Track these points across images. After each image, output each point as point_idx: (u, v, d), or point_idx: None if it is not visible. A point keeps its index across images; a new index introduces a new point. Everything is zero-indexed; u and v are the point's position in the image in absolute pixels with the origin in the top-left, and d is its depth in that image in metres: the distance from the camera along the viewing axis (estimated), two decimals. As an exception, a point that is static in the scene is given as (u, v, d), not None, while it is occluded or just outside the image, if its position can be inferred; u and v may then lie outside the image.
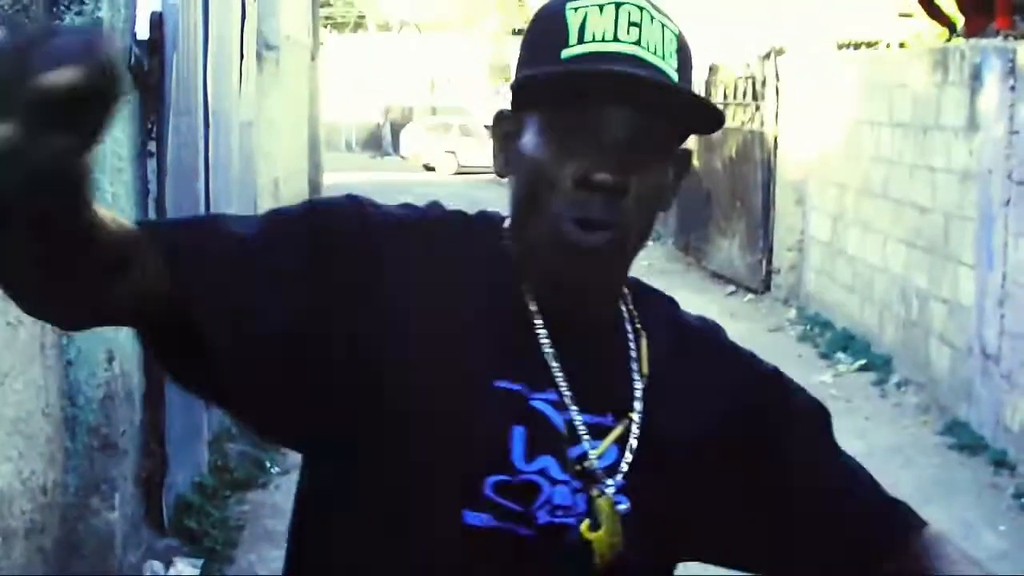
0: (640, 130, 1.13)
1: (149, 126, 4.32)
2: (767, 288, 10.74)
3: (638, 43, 1.13)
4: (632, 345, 1.22)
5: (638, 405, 1.19)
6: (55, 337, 3.71)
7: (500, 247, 1.21)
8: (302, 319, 1.13)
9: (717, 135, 12.01)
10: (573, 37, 1.14)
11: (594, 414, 1.17)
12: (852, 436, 6.52)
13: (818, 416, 1.29)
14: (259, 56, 8.17)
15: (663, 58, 1.14)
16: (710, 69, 12.36)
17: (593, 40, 1.13)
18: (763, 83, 10.90)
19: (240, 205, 6.78)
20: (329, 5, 27.23)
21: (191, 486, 4.95)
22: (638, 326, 1.23)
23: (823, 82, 9.73)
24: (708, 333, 1.29)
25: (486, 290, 1.19)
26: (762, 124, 10.89)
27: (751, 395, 1.26)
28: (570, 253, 1.13)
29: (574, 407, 1.16)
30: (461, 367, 1.15)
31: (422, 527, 1.13)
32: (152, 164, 4.34)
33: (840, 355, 8.36)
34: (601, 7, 1.14)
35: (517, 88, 1.18)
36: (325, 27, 22.65)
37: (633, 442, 1.17)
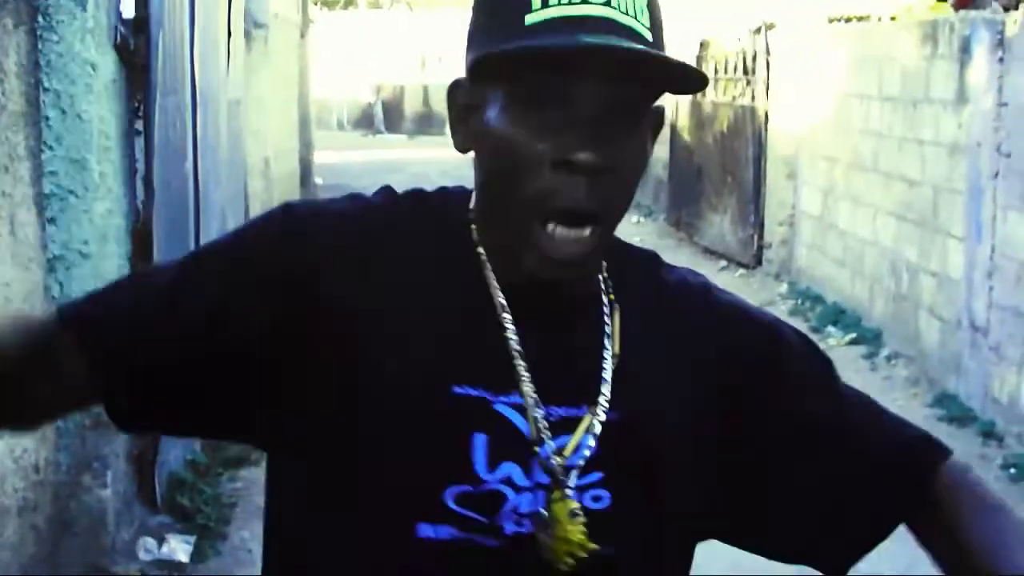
0: (618, 100, 1.04)
1: (136, 105, 4.32)
2: (758, 263, 10.75)
3: (607, 3, 1.04)
4: (607, 320, 1.13)
5: (606, 390, 1.10)
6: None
7: (461, 231, 1.12)
8: (244, 345, 1.09)
9: (708, 110, 12.00)
10: (536, 0, 1.03)
11: (569, 407, 1.10)
12: (842, 409, 6.55)
13: (817, 360, 1.21)
14: (247, 34, 8.14)
15: (635, 16, 1.04)
16: (701, 44, 12.33)
17: (559, 3, 1.03)
18: (754, 58, 10.88)
19: (230, 184, 6.78)
20: (319, -17, 27.14)
21: (183, 463, 4.97)
22: (612, 297, 1.15)
23: (814, 56, 9.73)
24: (692, 290, 1.20)
25: (447, 283, 1.10)
26: (753, 99, 10.88)
27: (741, 349, 1.17)
28: (551, 257, 1.05)
29: (542, 405, 1.08)
30: (418, 374, 1.07)
31: (373, 543, 1.08)
32: (140, 143, 4.34)
33: (831, 329, 8.39)
34: None
35: (478, 62, 1.06)
36: (315, 5, 22.54)
37: (597, 429, 1.09)
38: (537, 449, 1.08)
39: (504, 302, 1.09)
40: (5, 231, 3.44)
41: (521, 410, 1.08)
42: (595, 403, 1.10)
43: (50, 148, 3.75)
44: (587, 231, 1.05)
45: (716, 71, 11.85)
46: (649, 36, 1.05)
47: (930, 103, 7.30)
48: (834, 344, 8.05)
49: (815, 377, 1.21)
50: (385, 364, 1.08)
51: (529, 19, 1.04)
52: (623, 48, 1.02)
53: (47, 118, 3.74)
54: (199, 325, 1.10)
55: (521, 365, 1.09)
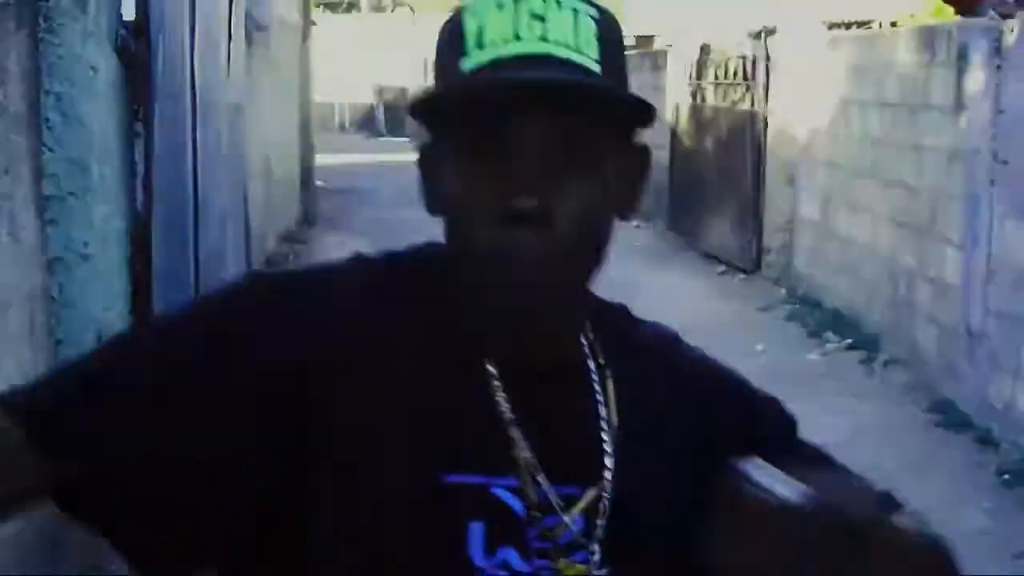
0: (559, 139, 0.99)
1: (136, 107, 4.34)
2: (757, 268, 10.77)
3: (544, 38, 1.00)
4: (598, 387, 1.08)
5: (609, 463, 1.05)
6: (44, 317, 3.74)
7: (438, 293, 1.06)
8: (220, 441, 1.00)
9: (708, 115, 12.02)
10: (471, 45, 1.01)
11: (566, 484, 1.04)
12: (840, 414, 6.54)
13: (783, 415, 1.20)
14: (249, 37, 8.17)
15: (577, 49, 1.00)
16: (701, 48, 12.36)
17: (492, 45, 1.00)
18: (754, 63, 10.91)
19: (230, 187, 6.81)
20: (322, -15, 27.21)
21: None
22: (601, 362, 1.09)
23: (814, 62, 9.75)
24: (664, 345, 1.17)
25: (430, 354, 1.04)
26: (753, 104, 10.90)
27: (716, 402, 1.15)
28: (503, 268, 0.99)
29: (537, 484, 1.03)
30: (410, 464, 1.01)
31: None
32: (140, 145, 4.36)
33: (829, 334, 8.40)
34: (500, 5, 1.01)
35: (417, 117, 1.04)
36: (317, 7, 22.57)
37: (601, 506, 1.04)
38: (532, 528, 1.03)
39: (495, 370, 1.04)
40: (5, 232, 3.46)
41: (518, 491, 1.03)
42: (599, 478, 1.05)
43: (50, 150, 3.77)
44: (536, 275, 1.00)
45: (716, 76, 11.87)
46: (596, 67, 1.01)
47: (928, 110, 7.32)
48: (832, 349, 8.08)
49: (781, 429, 1.19)
50: (368, 457, 1.01)
51: (464, 64, 1.01)
52: (538, 78, 0.98)
53: (47, 120, 3.76)
54: (156, 410, 1.01)
55: (519, 445, 1.03)
